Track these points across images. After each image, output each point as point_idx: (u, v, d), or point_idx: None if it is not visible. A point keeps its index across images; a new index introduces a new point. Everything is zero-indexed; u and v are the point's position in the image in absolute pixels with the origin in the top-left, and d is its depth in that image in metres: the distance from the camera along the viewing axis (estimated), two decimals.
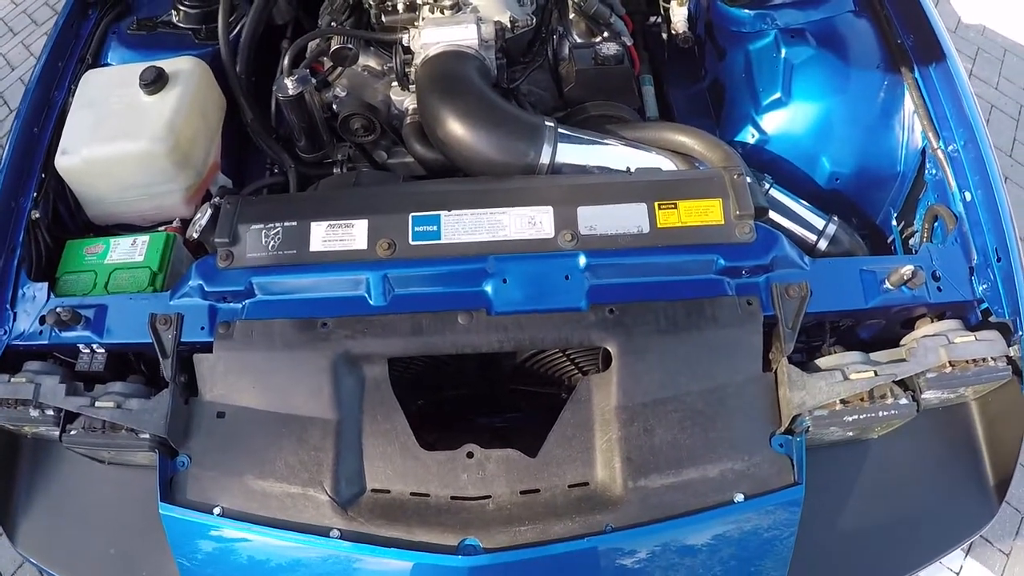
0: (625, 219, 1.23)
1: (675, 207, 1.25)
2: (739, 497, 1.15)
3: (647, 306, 1.20)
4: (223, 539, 1.17)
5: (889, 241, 1.66)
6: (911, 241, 1.59)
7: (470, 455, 1.17)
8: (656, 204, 1.25)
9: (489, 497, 1.15)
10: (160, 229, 1.53)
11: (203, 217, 1.40)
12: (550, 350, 1.38)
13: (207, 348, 1.24)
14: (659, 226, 1.23)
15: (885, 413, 1.20)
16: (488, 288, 1.20)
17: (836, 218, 1.51)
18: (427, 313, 1.20)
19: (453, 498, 1.15)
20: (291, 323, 1.22)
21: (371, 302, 1.23)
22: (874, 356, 1.24)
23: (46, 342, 1.30)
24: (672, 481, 1.15)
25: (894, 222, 1.64)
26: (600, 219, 1.23)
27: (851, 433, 1.28)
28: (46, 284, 1.35)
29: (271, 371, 1.21)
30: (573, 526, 1.12)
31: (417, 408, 1.52)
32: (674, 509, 1.14)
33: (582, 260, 1.21)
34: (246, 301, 1.27)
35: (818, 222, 1.50)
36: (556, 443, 1.17)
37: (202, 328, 1.26)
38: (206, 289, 1.27)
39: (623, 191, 1.26)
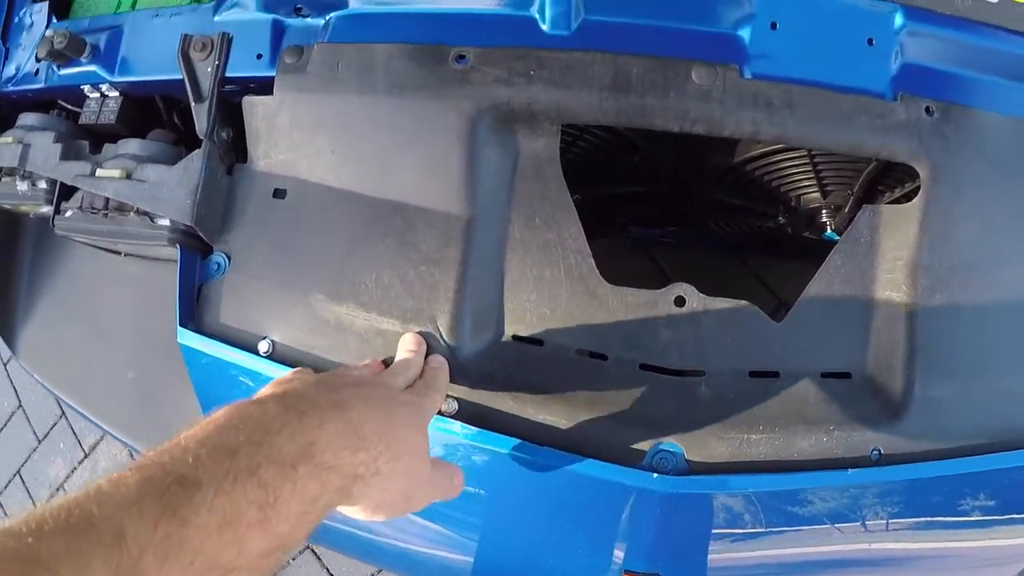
0: None
1: None
2: None
3: (980, 117, 0.73)
4: None
5: None
6: None
7: (680, 301, 0.71)
8: None
9: (703, 374, 0.70)
10: None
11: None
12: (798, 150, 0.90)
13: (266, 88, 0.74)
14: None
15: None
16: (745, 34, 0.70)
17: None
18: (639, 57, 0.69)
19: (644, 367, 0.70)
20: (405, 50, 0.71)
21: (544, 27, 0.71)
22: None
23: (42, 84, 0.89)
24: (971, 395, 0.73)
25: None
26: None
27: None
28: (45, 3, 0.92)
29: (367, 127, 0.71)
30: (828, 443, 0.69)
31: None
32: (964, 438, 0.73)
33: (898, 19, 0.73)
34: (332, 14, 0.76)
35: None
36: (814, 305, 0.72)
37: (259, 56, 0.77)
38: None
39: None
